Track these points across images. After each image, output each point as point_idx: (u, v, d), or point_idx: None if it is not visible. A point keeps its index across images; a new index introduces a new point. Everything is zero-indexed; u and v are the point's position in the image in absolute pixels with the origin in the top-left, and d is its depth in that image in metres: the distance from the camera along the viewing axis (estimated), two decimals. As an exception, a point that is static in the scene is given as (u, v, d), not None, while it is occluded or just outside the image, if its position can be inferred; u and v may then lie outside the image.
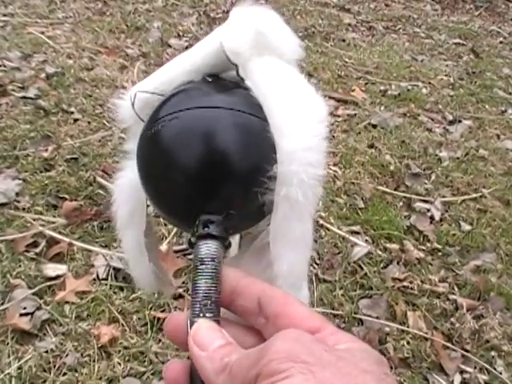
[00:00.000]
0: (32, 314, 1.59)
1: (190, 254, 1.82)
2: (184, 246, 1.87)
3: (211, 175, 0.44)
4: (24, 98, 2.64)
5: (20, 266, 1.73)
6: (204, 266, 0.42)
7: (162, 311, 1.66)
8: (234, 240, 0.52)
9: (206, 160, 0.44)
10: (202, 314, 0.41)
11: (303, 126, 0.46)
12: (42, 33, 3.42)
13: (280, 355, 0.35)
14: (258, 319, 0.43)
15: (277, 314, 0.42)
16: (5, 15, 3.63)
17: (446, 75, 3.99)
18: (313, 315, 0.41)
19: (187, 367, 0.43)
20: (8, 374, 1.43)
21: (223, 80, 0.51)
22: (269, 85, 0.47)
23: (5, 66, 2.92)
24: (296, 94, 0.48)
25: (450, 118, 3.30)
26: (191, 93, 0.49)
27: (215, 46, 0.50)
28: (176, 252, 1.86)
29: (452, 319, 1.83)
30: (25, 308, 1.60)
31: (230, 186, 0.45)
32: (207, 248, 0.43)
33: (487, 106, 3.58)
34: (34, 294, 1.65)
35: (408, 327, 1.77)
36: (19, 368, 1.45)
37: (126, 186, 0.52)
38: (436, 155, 2.83)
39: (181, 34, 3.83)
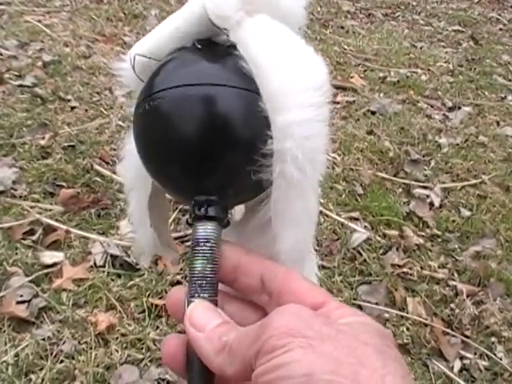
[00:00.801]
0: (29, 301, 1.59)
1: (187, 241, 1.82)
2: (182, 233, 1.87)
3: (204, 154, 0.43)
4: (21, 86, 2.63)
5: (17, 253, 1.72)
6: (200, 248, 0.42)
7: (160, 298, 1.65)
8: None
9: (198, 139, 0.43)
10: (197, 295, 0.41)
11: (298, 95, 0.42)
12: (39, 21, 3.41)
13: (279, 331, 0.35)
14: (262, 296, 0.43)
15: (280, 291, 0.41)
16: (1, 4, 3.61)
17: (445, 62, 3.98)
18: (316, 290, 0.41)
19: (185, 342, 0.43)
20: (5, 361, 1.42)
21: (215, 46, 0.47)
22: (260, 52, 0.43)
23: (1, 55, 2.90)
24: (291, 60, 0.44)
25: (450, 104, 3.29)
26: (180, 66, 0.47)
27: (198, 10, 0.45)
28: (174, 239, 1.85)
29: (452, 305, 1.82)
30: (22, 296, 1.59)
31: (224, 165, 0.44)
32: (203, 229, 0.43)
33: (487, 93, 3.57)
34: (30, 281, 1.64)
35: (407, 313, 1.77)
36: (16, 355, 1.44)
37: (133, 152, 0.50)
38: (435, 141, 2.82)
39: (178, 21, 3.80)
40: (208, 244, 0.42)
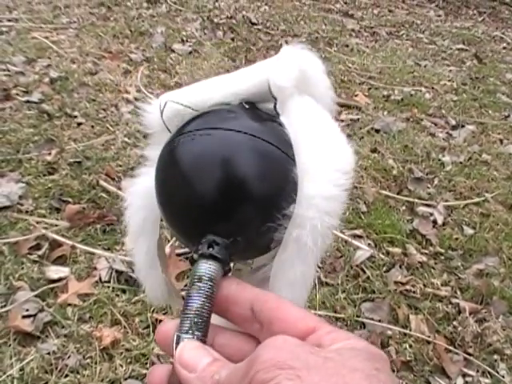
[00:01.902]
0: (34, 316, 1.59)
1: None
2: (186, 249, 1.87)
3: (228, 198, 0.44)
4: (28, 102, 2.65)
5: (23, 268, 1.73)
6: (201, 284, 0.42)
7: (164, 313, 1.66)
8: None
9: (224, 182, 0.44)
10: (191, 331, 0.41)
11: (329, 173, 0.45)
12: (46, 38, 3.44)
13: (266, 364, 0.35)
14: (253, 325, 0.43)
15: (270, 319, 0.41)
16: (9, 20, 3.65)
17: (449, 80, 3.99)
18: (307, 316, 0.41)
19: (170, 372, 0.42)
20: (10, 375, 1.43)
21: (259, 110, 0.51)
22: (303, 125, 0.48)
23: (9, 71, 2.93)
24: (327, 140, 0.48)
25: (453, 122, 3.30)
26: (225, 114, 0.49)
27: (261, 76, 0.50)
28: (178, 255, 1.86)
29: (454, 323, 1.83)
30: (27, 310, 1.60)
31: (244, 213, 0.45)
32: (208, 267, 0.43)
33: (490, 111, 3.58)
34: (36, 296, 1.65)
35: (410, 330, 1.77)
36: (21, 369, 1.45)
37: (142, 193, 0.51)
38: (439, 160, 2.83)
39: (184, 39, 3.84)
40: (210, 283, 0.42)
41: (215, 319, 0.44)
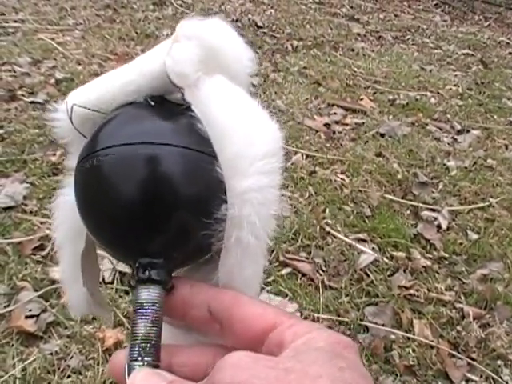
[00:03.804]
0: (37, 316, 1.59)
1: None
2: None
3: (151, 215, 0.41)
4: (33, 102, 2.65)
5: (26, 268, 1.73)
6: (144, 311, 0.40)
7: (167, 315, 1.65)
8: None
9: (146, 199, 0.41)
10: (140, 358, 0.39)
11: (255, 162, 0.42)
12: (52, 39, 3.44)
13: None
14: (214, 326, 0.41)
15: (229, 318, 0.40)
16: (16, 21, 3.66)
17: (454, 85, 3.99)
18: (265, 312, 0.39)
19: None
20: (12, 375, 1.43)
21: (168, 104, 0.45)
22: (217, 113, 0.43)
23: (14, 72, 2.94)
24: (247, 125, 0.43)
25: (459, 127, 3.30)
26: (130, 122, 0.44)
27: (157, 65, 0.44)
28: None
29: (458, 327, 1.82)
30: (30, 310, 1.60)
31: (172, 228, 0.42)
32: (147, 293, 0.41)
33: (495, 116, 3.57)
34: (39, 296, 1.65)
35: (414, 335, 1.77)
36: (23, 370, 1.45)
37: (67, 205, 0.47)
38: (444, 164, 2.82)
39: (190, 41, 3.84)
40: (153, 307, 0.40)
41: (170, 337, 0.43)
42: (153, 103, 0.44)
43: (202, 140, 0.42)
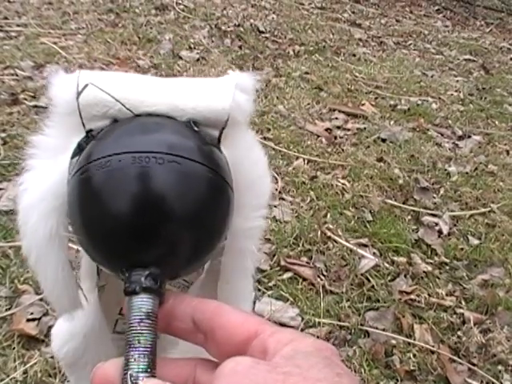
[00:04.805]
0: (39, 319, 1.60)
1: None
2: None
3: (148, 225, 0.41)
4: (36, 106, 2.65)
5: (28, 271, 1.73)
6: (150, 321, 0.40)
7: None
8: None
9: (141, 211, 0.41)
10: (149, 370, 0.38)
11: (254, 207, 0.48)
12: (55, 43, 3.45)
13: None
14: (198, 337, 0.41)
15: (211, 328, 0.40)
16: (18, 25, 3.67)
17: (455, 91, 4.00)
18: (247, 320, 0.40)
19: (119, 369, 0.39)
20: (13, 378, 1.43)
21: (203, 132, 0.46)
22: (241, 158, 0.47)
23: (17, 75, 2.94)
24: (261, 178, 0.49)
25: (460, 133, 3.30)
26: (172, 132, 0.44)
27: (216, 104, 0.45)
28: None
29: (459, 333, 1.82)
30: (32, 313, 1.60)
31: (167, 239, 0.42)
32: (141, 304, 0.40)
33: (497, 122, 3.58)
34: (41, 299, 1.65)
35: (414, 340, 1.77)
36: (25, 373, 1.45)
37: (44, 195, 0.44)
38: (445, 170, 2.83)
39: (192, 46, 3.85)
40: (154, 317, 0.40)
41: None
42: (196, 128, 0.45)
43: (224, 167, 0.45)
